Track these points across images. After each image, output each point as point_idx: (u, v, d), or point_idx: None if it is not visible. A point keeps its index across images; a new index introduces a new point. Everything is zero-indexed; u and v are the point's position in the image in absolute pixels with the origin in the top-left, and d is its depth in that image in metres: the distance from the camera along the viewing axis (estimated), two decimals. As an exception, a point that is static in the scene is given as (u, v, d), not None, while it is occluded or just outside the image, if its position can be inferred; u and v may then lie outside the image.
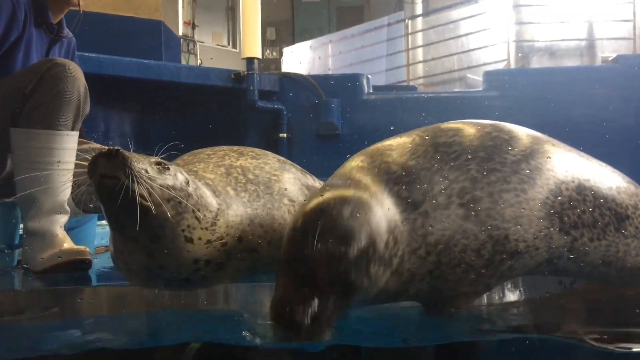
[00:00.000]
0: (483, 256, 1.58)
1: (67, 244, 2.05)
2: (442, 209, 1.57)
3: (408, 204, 1.56)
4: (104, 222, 3.24)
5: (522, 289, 1.85)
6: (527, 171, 1.68)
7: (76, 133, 2.13)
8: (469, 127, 1.76)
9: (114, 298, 1.74)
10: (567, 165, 1.78)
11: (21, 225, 2.39)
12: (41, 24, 2.40)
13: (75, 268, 2.02)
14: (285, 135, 5.89)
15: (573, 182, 1.73)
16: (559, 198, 1.68)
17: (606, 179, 1.84)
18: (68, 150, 2.08)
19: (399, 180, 1.59)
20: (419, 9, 11.08)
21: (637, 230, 1.80)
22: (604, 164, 1.91)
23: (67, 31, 2.57)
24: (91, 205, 2.28)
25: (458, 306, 1.69)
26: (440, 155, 1.65)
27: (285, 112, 5.88)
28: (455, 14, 9.61)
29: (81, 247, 2.08)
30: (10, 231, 2.21)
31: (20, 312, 1.65)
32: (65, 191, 2.08)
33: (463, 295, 1.67)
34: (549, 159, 1.75)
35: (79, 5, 2.46)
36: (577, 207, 1.70)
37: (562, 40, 8.35)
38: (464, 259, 1.56)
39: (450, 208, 1.57)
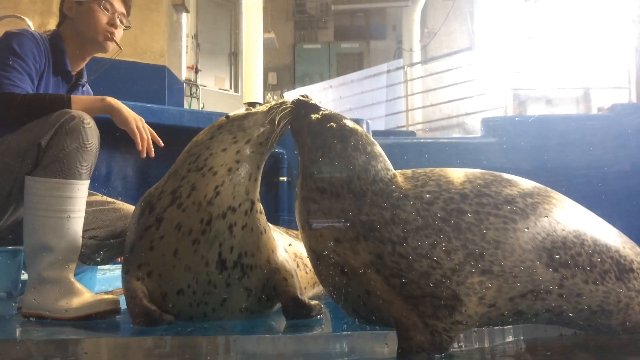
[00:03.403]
0: (452, 260, 1.65)
1: (88, 292, 2.10)
2: (426, 203, 1.72)
3: (409, 179, 1.83)
4: (105, 267, 3.25)
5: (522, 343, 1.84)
6: (522, 205, 1.76)
7: (88, 181, 2.19)
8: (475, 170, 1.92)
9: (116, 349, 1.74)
10: (569, 212, 1.84)
11: (22, 272, 2.40)
12: (59, 73, 2.46)
13: (105, 317, 2.07)
14: (285, 178, 5.93)
15: (572, 225, 1.79)
16: (551, 236, 1.74)
17: (611, 233, 1.89)
18: (83, 199, 2.16)
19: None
20: (417, 57, 11.33)
21: None
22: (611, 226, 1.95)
23: (84, 79, 2.64)
24: (98, 259, 2.32)
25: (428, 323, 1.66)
26: (443, 171, 1.86)
27: (285, 156, 5.94)
28: (452, 61, 9.83)
29: (113, 298, 2.12)
30: (12, 278, 2.21)
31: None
32: (79, 239, 2.15)
33: (429, 300, 1.65)
34: (549, 203, 1.82)
35: (119, 47, 2.54)
36: (572, 248, 1.75)
37: (559, 88, 8.52)
38: (432, 253, 1.65)
39: (433, 206, 1.72)
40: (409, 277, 1.66)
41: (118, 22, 2.53)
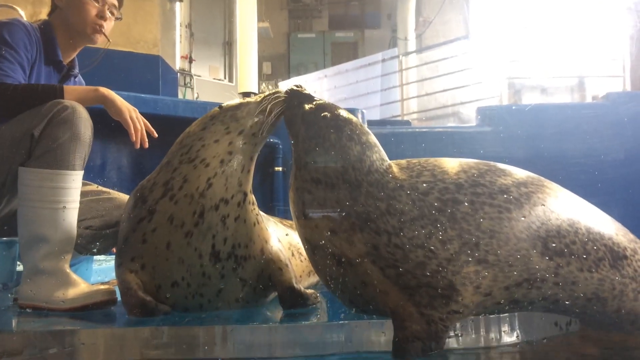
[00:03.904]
0: (448, 250, 1.66)
1: (84, 283, 2.10)
2: (421, 193, 1.73)
3: (404, 169, 1.84)
4: (101, 258, 3.24)
5: (518, 331, 1.85)
6: (516, 195, 1.77)
7: (82, 172, 2.18)
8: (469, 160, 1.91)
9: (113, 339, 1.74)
10: (562, 201, 1.85)
11: (18, 263, 2.40)
12: (50, 62, 2.45)
13: (101, 307, 2.07)
14: (280, 168, 5.92)
15: (566, 214, 1.80)
16: (545, 225, 1.75)
17: (604, 221, 1.90)
18: (77, 189, 2.15)
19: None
20: (412, 46, 11.30)
21: (636, 274, 1.82)
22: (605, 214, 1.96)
23: (77, 70, 2.62)
24: (94, 250, 2.31)
25: (424, 313, 1.67)
26: (437, 161, 1.87)
27: (280, 146, 5.92)
28: (448, 50, 9.81)
29: (109, 288, 2.12)
30: (7, 270, 2.20)
31: (19, 354, 1.65)
32: (74, 230, 2.14)
33: (425, 290, 1.66)
34: (543, 192, 1.83)
35: (107, 40, 2.53)
36: (566, 237, 1.76)
37: (553, 77, 8.53)
38: (428, 243, 1.66)
39: (428, 196, 1.72)
40: (405, 267, 1.66)
41: (108, 14, 2.50)
